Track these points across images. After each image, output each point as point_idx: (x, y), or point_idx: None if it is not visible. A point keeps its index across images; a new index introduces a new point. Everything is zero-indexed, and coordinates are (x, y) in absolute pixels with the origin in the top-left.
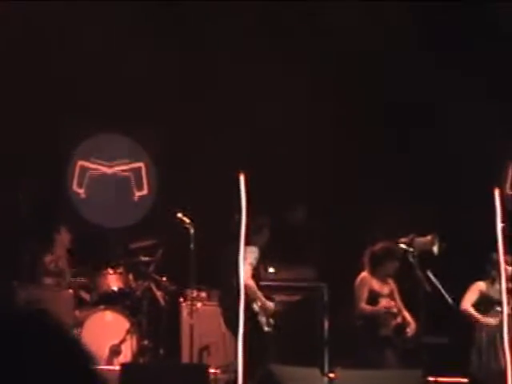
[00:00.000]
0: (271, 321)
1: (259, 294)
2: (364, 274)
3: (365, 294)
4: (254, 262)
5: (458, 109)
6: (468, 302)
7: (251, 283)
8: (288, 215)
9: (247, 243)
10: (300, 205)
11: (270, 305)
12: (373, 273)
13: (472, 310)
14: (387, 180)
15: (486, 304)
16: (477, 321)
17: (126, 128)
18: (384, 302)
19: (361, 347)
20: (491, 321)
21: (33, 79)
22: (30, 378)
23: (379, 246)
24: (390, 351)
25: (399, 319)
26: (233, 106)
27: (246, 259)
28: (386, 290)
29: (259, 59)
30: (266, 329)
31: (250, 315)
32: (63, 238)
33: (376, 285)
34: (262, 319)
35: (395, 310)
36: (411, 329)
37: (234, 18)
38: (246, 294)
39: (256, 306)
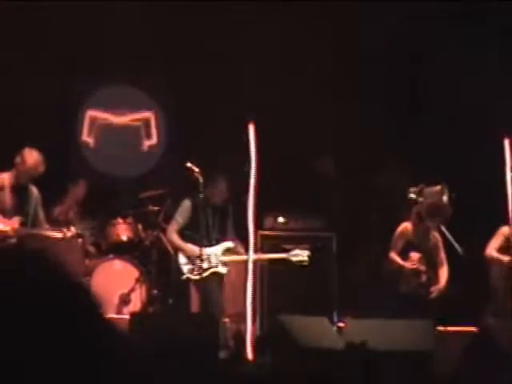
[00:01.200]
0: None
1: (183, 245)
2: (405, 224)
3: (399, 244)
4: (180, 218)
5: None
6: (492, 248)
7: (172, 237)
8: (306, 165)
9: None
10: (318, 156)
11: (196, 252)
12: (416, 225)
13: (495, 254)
14: (398, 132)
15: (508, 248)
16: (501, 262)
17: (135, 78)
18: (413, 258)
19: (373, 299)
20: None
21: (43, 32)
22: (38, 326)
23: (428, 201)
24: (405, 306)
25: (424, 278)
26: (248, 51)
27: (175, 214)
28: (428, 244)
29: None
30: (190, 276)
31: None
32: (78, 191)
33: (414, 237)
34: (187, 267)
35: (422, 268)
36: (436, 288)
37: None
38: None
39: (181, 258)
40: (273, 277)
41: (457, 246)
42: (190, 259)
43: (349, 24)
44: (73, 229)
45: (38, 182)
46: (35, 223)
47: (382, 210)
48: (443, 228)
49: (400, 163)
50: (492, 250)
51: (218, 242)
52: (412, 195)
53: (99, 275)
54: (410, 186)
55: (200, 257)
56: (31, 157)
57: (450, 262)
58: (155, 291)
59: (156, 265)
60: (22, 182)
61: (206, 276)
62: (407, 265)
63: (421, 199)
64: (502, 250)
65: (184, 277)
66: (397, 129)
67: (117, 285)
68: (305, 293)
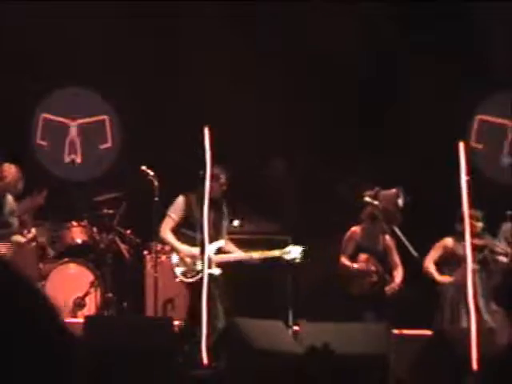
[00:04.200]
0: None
1: (177, 245)
2: (355, 228)
3: (349, 248)
4: (174, 215)
5: (420, 64)
6: (430, 260)
7: (166, 236)
8: (260, 168)
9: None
10: (273, 158)
11: (192, 254)
12: (365, 229)
13: (431, 268)
14: (353, 133)
15: (452, 260)
16: (433, 279)
17: (90, 80)
18: (361, 259)
19: (327, 302)
20: (446, 280)
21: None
22: None
23: (379, 204)
24: (360, 307)
25: (374, 278)
26: (201, 54)
27: (168, 211)
28: (378, 246)
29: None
30: (184, 279)
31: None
32: (39, 198)
33: (364, 241)
34: (180, 269)
35: (372, 268)
36: (391, 287)
37: None
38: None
39: (174, 258)
40: (229, 280)
41: (411, 249)
42: (183, 260)
43: (297, 25)
44: (33, 230)
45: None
46: (7, 227)
47: (338, 212)
48: (398, 231)
49: (355, 165)
50: (429, 262)
51: (212, 240)
52: (367, 198)
53: (54, 279)
54: (364, 189)
55: (193, 258)
56: (10, 173)
57: (404, 264)
58: (110, 295)
59: (111, 268)
60: None
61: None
62: (354, 266)
63: (376, 202)
64: (442, 261)
65: (177, 279)
66: (352, 129)
67: (72, 288)
68: (260, 296)
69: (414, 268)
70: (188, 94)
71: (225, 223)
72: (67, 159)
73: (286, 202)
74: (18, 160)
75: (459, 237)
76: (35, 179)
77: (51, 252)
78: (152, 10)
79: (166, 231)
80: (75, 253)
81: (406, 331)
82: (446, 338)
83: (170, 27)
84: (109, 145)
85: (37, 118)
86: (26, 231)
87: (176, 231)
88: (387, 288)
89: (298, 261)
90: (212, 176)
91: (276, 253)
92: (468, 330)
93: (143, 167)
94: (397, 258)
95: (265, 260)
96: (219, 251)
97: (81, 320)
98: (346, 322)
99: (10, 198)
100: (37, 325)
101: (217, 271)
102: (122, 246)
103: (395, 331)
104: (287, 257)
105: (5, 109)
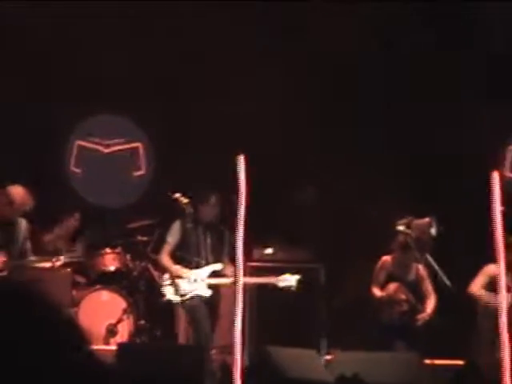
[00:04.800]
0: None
1: (169, 266)
2: (386, 257)
3: (380, 277)
4: (170, 239)
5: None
6: (476, 285)
7: (161, 258)
8: (293, 195)
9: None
10: (304, 186)
11: (181, 275)
12: (397, 258)
13: (480, 292)
14: (387, 164)
15: (494, 287)
16: (486, 302)
17: (124, 108)
18: (391, 288)
19: (359, 330)
20: (500, 300)
21: (31, 62)
22: (24, 356)
23: (412, 233)
24: (390, 336)
25: (404, 307)
26: (233, 83)
27: (166, 236)
28: (410, 275)
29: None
30: (172, 298)
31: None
32: (71, 223)
33: (396, 270)
34: (169, 289)
35: (402, 297)
36: (422, 317)
37: None
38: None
39: (166, 280)
40: (261, 308)
41: (445, 278)
42: (174, 281)
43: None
44: (62, 258)
45: (27, 213)
46: (24, 255)
47: (370, 240)
48: (431, 260)
49: (388, 193)
50: (476, 287)
51: (208, 263)
52: (400, 227)
53: (86, 306)
54: (397, 217)
55: (183, 279)
56: (18, 195)
57: (437, 294)
58: (143, 322)
59: (144, 295)
60: (10, 219)
61: (189, 299)
62: (383, 294)
63: (409, 231)
64: (487, 288)
65: (165, 299)
66: (384, 157)
67: (104, 315)
68: (293, 324)
69: (446, 297)
70: (221, 119)
71: (227, 248)
72: (101, 186)
73: (318, 229)
74: (52, 187)
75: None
76: (70, 206)
77: (84, 279)
78: (180, 40)
79: (163, 255)
80: (108, 279)
81: (437, 361)
82: (479, 368)
83: (199, 53)
84: (142, 172)
85: (71, 145)
86: (55, 259)
87: (174, 255)
88: (418, 317)
89: (292, 289)
90: (202, 199)
91: (271, 280)
92: (501, 360)
93: (177, 194)
94: (429, 288)
95: (260, 287)
96: (217, 274)
97: (113, 347)
98: (378, 351)
99: (23, 222)
100: (63, 350)
101: (207, 293)
102: (155, 273)
103: (427, 361)
104: (281, 284)
105: (40, 135)
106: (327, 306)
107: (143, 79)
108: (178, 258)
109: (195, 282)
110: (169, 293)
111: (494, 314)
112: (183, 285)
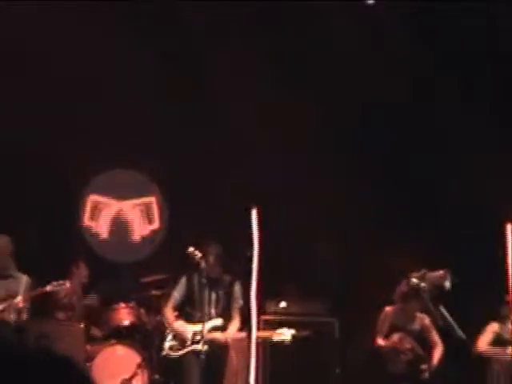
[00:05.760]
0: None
1: (171, 321)
2: (388, 308)
3: (384, 328)
4: (176, 293)
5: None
6: (484, 343)
7: (165, 313)
8: (306, 249)
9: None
10: (318, 239)
11: (185, 333)
12: (400, 308)
13: (489, 349)
14: (399, 216)
15: (499, 343)
16: (496, 356)
17: (137, 162)
18: (394, 338)
19: (370, 381)
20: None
21: (45, 117)
22: None
23: (408, 283)
24: None
25: (409, 356)
26: (244, 134)
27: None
28: (414, 325)
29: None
30: (170, 353)
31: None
32: (80, 273)
33: (399, 320)
34: (169, 344)
35: (407, 346)
36: (427, 367)
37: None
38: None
39: (169, 334)
40: (274, 362)
41: (458, 329)
42: (176, 336)
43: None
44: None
45: (40, 266)
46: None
47: (384, 293)
48: (444, 311)
49: (400, 246)
50: (484, 345)
51: (211, 318)
52: (414, 280)
53: (101, 361)
54: (410, 269)
55: (182, 334)
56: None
57: (447, 344)
58: (157, 376)
59: (158, 350)
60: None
61: (185, 354)
62: (387, 344)
63: (423, 284)
64: (493, 344)
65: (163, 353)
66: (396, 210)
67: (118, 370)
68: (306, 378)
69: (457, 348)
70: (236, 175)
71: (235, 303)
72: (115, 240)
73: (332, 282)
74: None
75: (505, 320)
76: (82, 260)
77: (98, 333)
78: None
79: (166, 309)
80: (122, 334)
81: None
82: None
83: (212, 106)
84: (156, 225)
85: (85, 199)
86: (73, 312)
87: (183, 310)
88: (423, 367)
89: (286, 343)
90: (202, 255)
91: (266, 334)
92: None
93: (191, 248)
94: (436, 337)
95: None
96: (220, 329)
97: None
98: None
99: (24, 278)
100: None
101: (201, 347)
102: None
103: None
104: (276, 338)
105: (54, 189)
106: (341, 360)
107: (157, 132)
108: (186, 314)
109: (194, 338)
110: (167, 348)
111: (503, 363)
112: (181, 340)
